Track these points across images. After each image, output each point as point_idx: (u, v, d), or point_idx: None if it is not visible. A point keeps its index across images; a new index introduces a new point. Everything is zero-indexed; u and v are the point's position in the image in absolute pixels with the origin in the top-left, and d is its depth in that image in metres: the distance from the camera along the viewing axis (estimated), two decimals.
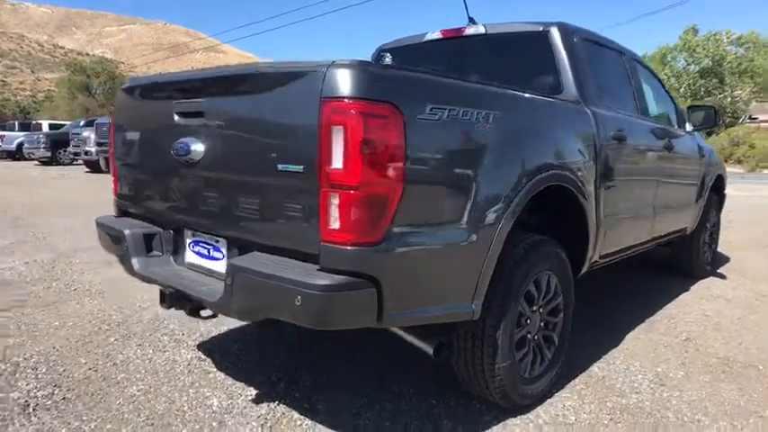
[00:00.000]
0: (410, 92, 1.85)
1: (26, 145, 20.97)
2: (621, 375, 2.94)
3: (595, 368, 3.02)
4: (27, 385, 2.69)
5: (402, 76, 1.88)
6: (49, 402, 2.53)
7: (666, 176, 3.79)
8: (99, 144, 14.60)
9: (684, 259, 4.75)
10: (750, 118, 35.39)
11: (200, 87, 2.20)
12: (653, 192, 3.61)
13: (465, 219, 2.01)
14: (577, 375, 2.91)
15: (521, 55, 3.16)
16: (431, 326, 2.17)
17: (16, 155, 22.51)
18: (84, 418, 2.41)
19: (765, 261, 5.89)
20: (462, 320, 2.13)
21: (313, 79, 1.76)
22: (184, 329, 3.49)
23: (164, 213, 2.47)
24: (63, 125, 23.44)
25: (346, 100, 1.69)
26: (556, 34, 2.99)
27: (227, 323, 3.59)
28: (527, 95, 2.48)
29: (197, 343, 3.29)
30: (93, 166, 16.56)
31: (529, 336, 2.51)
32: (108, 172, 15.27)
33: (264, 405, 2.55)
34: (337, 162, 1.71)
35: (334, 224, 1.73)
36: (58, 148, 19.71)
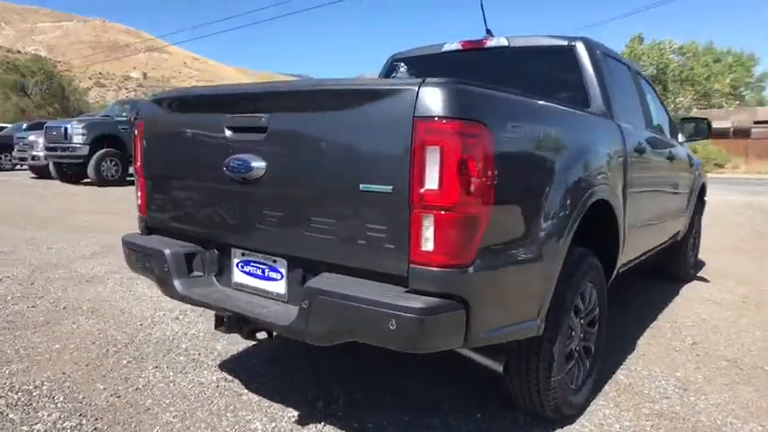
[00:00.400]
0: (495, 110, 1.85)
1: None
2: (646, 381, 3.04)
3: (620, 375, 3.11)
4: (49, 416, 2.52)
5: (488, 94, 1.88)
6: None
7: (670, 185, 3.96)
8: (48, 149, 13.82)
9: (673, 263, 4.96)
10: None
11: (263, 101, 2.12)
12: (661, 199, 3.76)
13: (537, 236, 2.02)
14: (605, 383, 2.98)
15: (545, 69, 3.22)
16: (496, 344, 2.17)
17: None
18: None
19: (738, 263, 6.23)
20: (528, 337, 2.15)
21: (404, 98, 1.72)
22: (199, 349, 3.36)
23: (206, 231, 2.36)
24: (2, 128, 22.11)
25: (442, 120, 1.67)
26: (582, 49, 3.06)
27: (243, 341, 3.48)
28: (579, 112, 2.53)
29: (217, 363, 3.16)
30: (41, 172, 15.69)
31: (573, 347, 2.55)
32: (58, 178, 14.53)
33: (312, 426, 2.47)
34: (432, 183, 1.68)
35: (427, 246, 1.71)
36: None
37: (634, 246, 3.30)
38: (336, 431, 2.45)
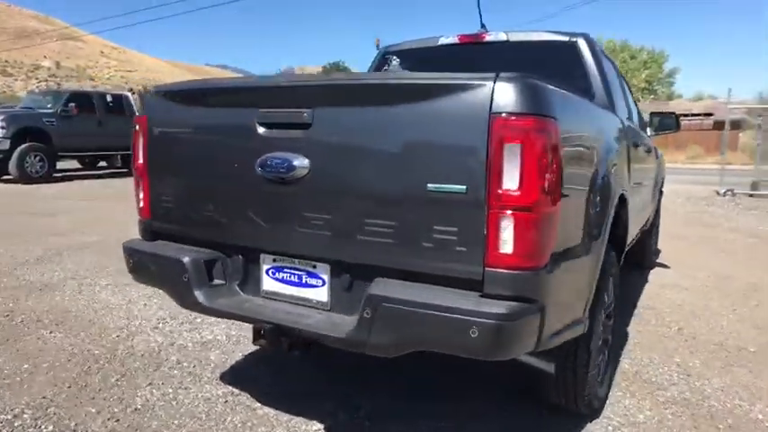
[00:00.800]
0: (562, 106, 1.79)
1: None
2: (651, 369, 3.12)
3: (625, 364, 3.17)
4: None
5: (555, 89, 1.81)
6: None
7: (648, 176, 4.10)
8: None
9: (640, 251, 5.16)
10: None
11: (305, 96, 1.95)
12: (644, 191, 3.88)
13: (587, 233, 2.00)
14: (614, 373, 3.04)
15: (547, 64, 3.20)
16: None
17: None
18: None
19: (688, 250, 6.58)
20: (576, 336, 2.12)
21: (478, 93, 1.63)
22: (192, 361, 3.12)
23: (228, 236, 2.16)
24: None
25: (521, 116, 1.59)
26: (583, 44, 3.07)
27: (238, 350, 3.28)
28: (602, 109, 2.53)
29: (217, 375, 2.95)
30: None
31: (599, 341, 2.57)
32: None
33: None
34: (511, 182, 1.60)
35: (505, 248, 1.62)
36: None
37: (630, 236, 3.38)
38: None
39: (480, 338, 1.59)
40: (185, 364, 3.08)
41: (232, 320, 3.59)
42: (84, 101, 13.80)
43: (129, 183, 13.24)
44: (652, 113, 4.67)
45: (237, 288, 2.20)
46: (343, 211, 1.87)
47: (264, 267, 2.13)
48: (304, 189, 1.90)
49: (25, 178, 12.18)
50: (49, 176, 12.63)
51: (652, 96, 44.59)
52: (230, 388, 2.79)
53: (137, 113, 2.38)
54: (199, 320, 3.75)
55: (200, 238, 2.23)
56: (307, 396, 2.72)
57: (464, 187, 1.64)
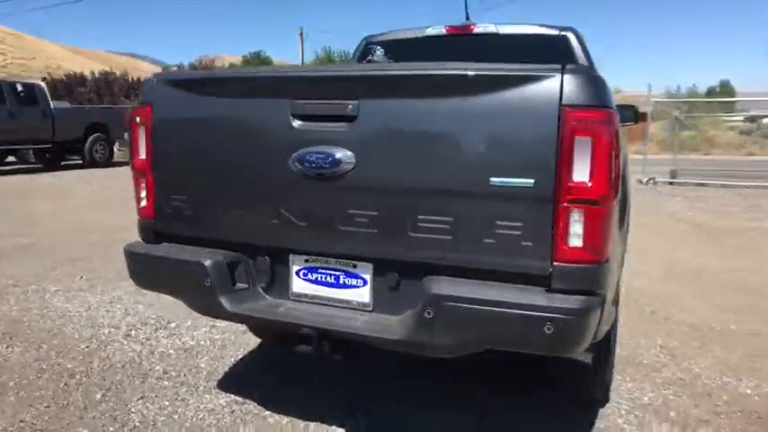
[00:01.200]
0: (612, 98, 1.79)
1: None
2: (640, 351, 3.24)
3: (616, 349, 3.29)
4: None
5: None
6: None
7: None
8: None
9: None
10: None
11: (349, 86, 1.81)
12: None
13: (622, 222, 2.02)
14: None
15: (537, 56, 3.21)
16: None
17: None
18: None
19: (640, 238, 6.89)
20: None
21: (546, 85, 1.58)
22: (181, 369, 2.91)
23: (253, 236, 1.99)
24: None
25: (590, 109, 1.57)
26: (573, 37, 3.13)
27: (226, 355, 3.09)
28: None
29: (213, 384, 2.76)
30: None
31: None
32: None
33: None
34: (582, 175, 1.58)
35: (575, 242, 1.60)
36: None
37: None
38: None
39: (555, 335, 1.56)
40: (173, 373, 2.86)
41: (213, 324, 3.41)
42: None
43: (48, 179, 12.23)
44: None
45: (262, 291, 2.05)
46: (392, 207, 1.77)
47: (294, 268, 1.99)
48: (348, 185, 1.79)
49: None
50: None
51: None
52: (232, 396, 2.62)
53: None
54: (173, 325, 3.52)
55: (218, 238, 2.05)
56: (315, 398, 2.60)
57: (532, 181, 1.60)
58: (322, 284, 1.96)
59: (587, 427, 2.42)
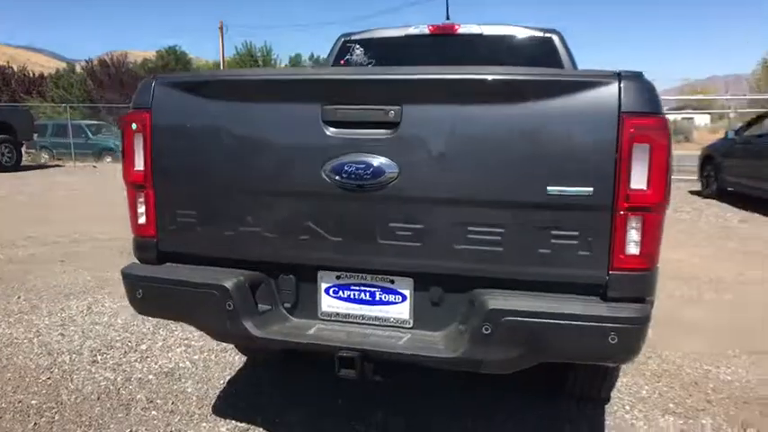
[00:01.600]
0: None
1: None
2: None
3: None
4: None
5: None
6: None
7: None
8: None
9: None
10: None
11: (391, 91, 1.69)
12: None
13: None
14: None
15: (522, 57, 3.24)
16: None
17: None
18: None
19: None
20: None
21: (605, 92, 1.55)
22: (168, 397, 2.68)
23: (276, 253, 1.82)
24: None
25: (648, 116, 1.56)
26: (557, 40, 3.17)
27: (212, 377, 2.87)
28: None
29: (209, 411, 2.55)
30: None
31: None
32: None
33: None
34: (640, 182, 1.56)
35: (632, 250, 1.59)
36: None
37: None
38: None
39: (620, 344, 1.55)
40: (159, 401, 2.62)
41: (188, 343, 3.18)
42: None
43: None
44: None
45: (286, 312, 1.89)
46: (439, 219, 1.68)
47: (324, 286, 1.85)
48: (390, 196, 1.68)
49: None
50: None
51: None
52: (233, 422, 2.43)
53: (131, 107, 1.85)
54: (144, 347, 3.24)
55: (234, 257, 1.87)
56: (320, 417, 2.47)
57: (591, 189, 1.57)
58: (355, 302, 1.84)
59: (600, 426, 2.46)
